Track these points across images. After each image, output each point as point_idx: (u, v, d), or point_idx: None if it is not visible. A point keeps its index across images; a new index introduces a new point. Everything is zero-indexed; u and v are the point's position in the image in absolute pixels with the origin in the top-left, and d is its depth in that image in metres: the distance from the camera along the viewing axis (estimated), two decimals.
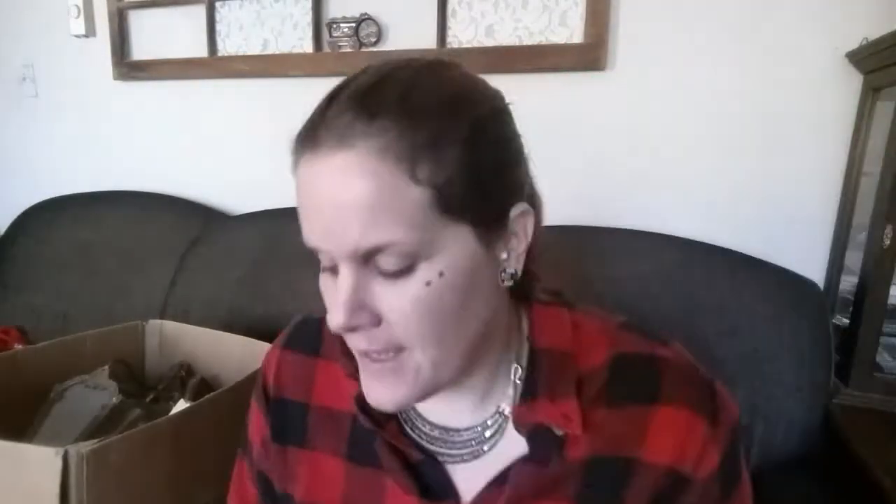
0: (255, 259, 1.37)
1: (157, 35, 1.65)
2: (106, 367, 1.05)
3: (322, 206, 0.40)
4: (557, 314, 0.50)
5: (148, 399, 1.04)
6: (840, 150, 1.06)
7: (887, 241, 0.88)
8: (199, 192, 1.64)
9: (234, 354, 1.08)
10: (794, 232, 1.11)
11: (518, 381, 0.49)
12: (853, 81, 1.04)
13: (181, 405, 0.97)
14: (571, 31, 1.21)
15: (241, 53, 1.53)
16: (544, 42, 1.23)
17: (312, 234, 0.41)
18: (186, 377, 1.10)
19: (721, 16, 1.10)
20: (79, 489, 0.72)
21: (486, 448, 0.49)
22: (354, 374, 0.47)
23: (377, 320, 0.41)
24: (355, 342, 0.43)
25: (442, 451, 0.50)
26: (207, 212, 1.59)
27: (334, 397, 0.54)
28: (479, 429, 0.50)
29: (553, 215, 1.33)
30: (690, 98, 1.15)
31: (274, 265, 1.34)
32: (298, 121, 0.42)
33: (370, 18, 1.35)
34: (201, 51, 1.56)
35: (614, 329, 0.50)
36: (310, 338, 0.57)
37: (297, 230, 0.42)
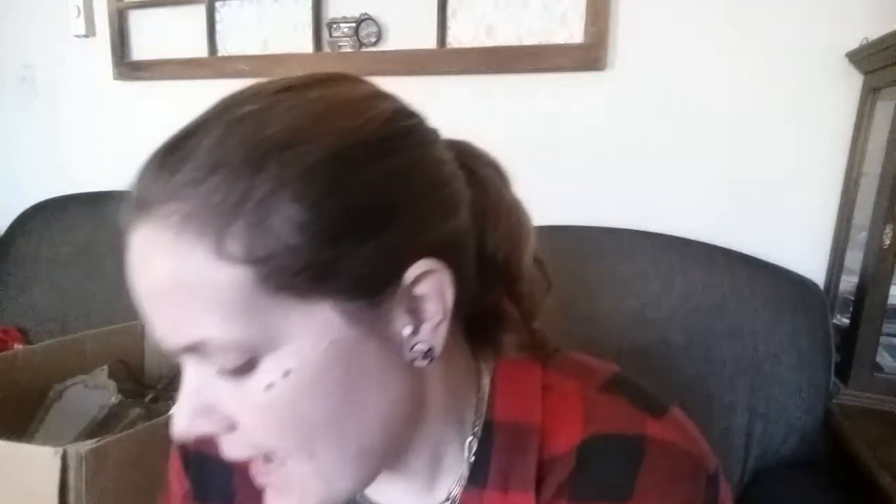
0: None
1: (157, 35, 1.65)
2: (105, 367, 1.05)
3: (132, 290, 0.32)
4: (527, 373, 0.41)
5: (147, 399, 1.04)
6: (840, 150, 1.06)
7: (887, 241, 0.88)
8: None
9: None
10: (794, 232, 1.11)
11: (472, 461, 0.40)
12: (853, 81, 1.04)
13: None
14: (571, 31, 1.21)
15: (241, 53, 1.53)
16: (544, 42, 1.23)
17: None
18: None
19: (721, 16, 1.10)
20: (77, 489, 0.72)
21: None
22: None
23: (231, 425, 0.33)
24: (222, 449, 0.35)
25: None
26: None
27: None
28: None
29: (553, 215, 1.32)
30: (690, 98, 1.14)
31: None
32: None
33: (370, 18, 1.35)
34: (201, 51, 1.56)
35: (595, 393, 0.40)
36: None
37: None
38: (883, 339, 0.94)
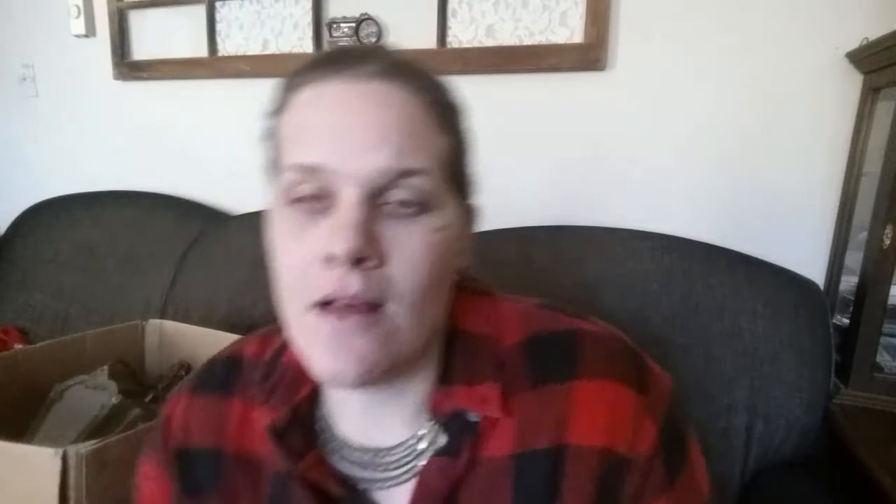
0: (255, 259, 1.36)
1: (157, 35, 1.65)
2: (106, 367, 1.05)
3: (356, 124, 0.39)
4: (480, 301, 0.49)
5: (147, 399, 1.04)
6: (840, 150, 1.06)
7: (887, 241, 0.88)
8: (199, 192, 1.64)
9: None
10: (794, 232, 1.11)
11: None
12: (853, 81, 1.04)
13: None
14: (571, 31, 1.21)
15: (241, 53, 1.53)
16: (544, 42, 1.23)
17: (321, 150, 0.39)
18: (186, 377, 1.10)
19: (721, 15, 1.10)
20: (78, 489, 0.72)
21: (422, 462, 0.44)
22: (270, 401, 0.46)
23: (382, 259, 0.38)
24: (341, 285, 0.37)
25: (374, 476, 0.45)
26: (207, 212, 1.59)
27: (252, 440, 0.48)
28: (412, 441, 0.45)
29: (553, 215, 1.32)
30: (690, 98, 1.15)
31: None
32: None
33: (370, 18, 1.35)
34: (201, 51, 1.56)
35: (532, 309, 0.49)
36: (223, 377, 0.51)
37: None
38: (883, 339, 0.94)
